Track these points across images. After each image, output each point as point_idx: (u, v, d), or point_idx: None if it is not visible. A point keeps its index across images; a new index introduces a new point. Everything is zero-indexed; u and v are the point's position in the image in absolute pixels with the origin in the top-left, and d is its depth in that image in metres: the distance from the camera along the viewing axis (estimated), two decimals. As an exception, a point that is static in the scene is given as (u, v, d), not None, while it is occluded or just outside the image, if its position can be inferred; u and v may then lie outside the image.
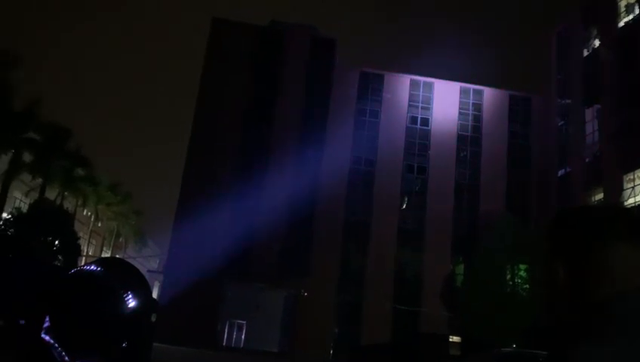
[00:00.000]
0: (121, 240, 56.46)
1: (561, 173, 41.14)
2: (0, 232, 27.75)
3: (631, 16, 35.51)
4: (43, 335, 1.47)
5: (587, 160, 37.92)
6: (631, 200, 32.49)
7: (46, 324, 1.49)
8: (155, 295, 48.15)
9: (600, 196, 35.83)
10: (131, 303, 1.53)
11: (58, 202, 37.11)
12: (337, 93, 45.54)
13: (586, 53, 39.92)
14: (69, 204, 40.51)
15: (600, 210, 1.32)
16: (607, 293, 1.20)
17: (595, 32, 39.27)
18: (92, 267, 1.57)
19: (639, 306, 1.17)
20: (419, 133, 46.47)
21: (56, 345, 1.45)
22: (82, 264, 1.73)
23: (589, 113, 38.53)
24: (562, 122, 42.09)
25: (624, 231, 1.24)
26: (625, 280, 1.21)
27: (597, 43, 38.94)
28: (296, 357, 37.49)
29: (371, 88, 47.11)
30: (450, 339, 41.46)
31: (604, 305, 1.19)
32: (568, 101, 41.52)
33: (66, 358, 1.43)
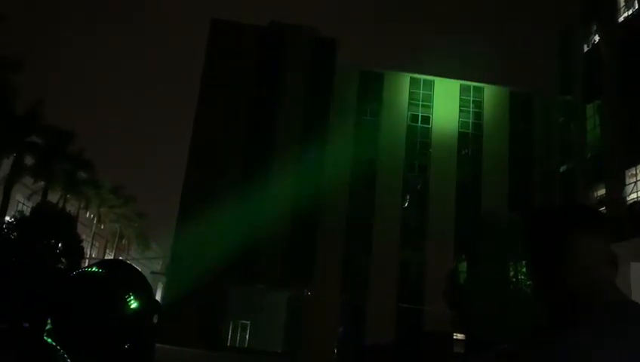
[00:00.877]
0: (124, 242, 56.51)
1: (563, 169, 41.08)
2: (3, 236, 27.76)
3: (631, 11, 35.43)
4: (45, 338, 1.48)
5: (589, 156, 37.84)
6: (633, 196, 32.43)
7: (48, 326, 1.50)
8: (158, 297, 48.17)
9: (602, 192, 35.76)
10: (133, 304, 1.54)
11: (60, 205, 37.15)
12: (338, 93, 45.53)
13: (586, 48, 39.84)
14: (71, 207, 40.56)
15: (563, 208, 1.46)
16: (573, 284, 1.31)
17: (595, 28, 39.19)
18: (93, 269, 1.58)
19: (602, 298, 1.28)
20: (420, 131, 46.46)
21: (58, 347, 1.45)
22: (84, 266, 1.74)
23: (591, 109, 38.46)
24: (563, 118, 42.03)
25: (584, 224, 1.36)
26: (588, 270, 1.31)
27: (597, 38, 38.85)
28: (300, 357, 37.50)
29: (371, 87, 47.07)
30: (455, 337, 41.44)
31: (570, 296, 1.30)
32: (569, 97, 41.45)
33: (68, 360, 1.43)
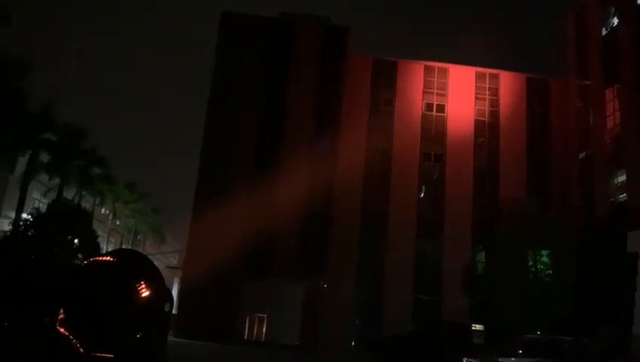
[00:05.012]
0: (139, 237, 56.95)
1: (582, 155, 40.50)
2: (21, 233, 28.05)
3: (650, -7, 34.66)
4: (58, 327, 1.42)
5: (608, 141, 37.25)
6: (655, 181, 31.82)
7: (61, 316, 1.45)
8: (174, 291, 48.41)
9: (622, 178, 35.22)
10: (144, 292, 1.44)
11: (76, 201, 37.43)
12: (351, 82, 45.26)
13: (604, 32, 39.15)
14: (86, 203, 40.86)
15: None
16: None
17: (613, 11, 38.48)
18: (105, 258, 1.52)
19: None
20: (435, 119, 46.00)
21: (71, 336, 1.40)
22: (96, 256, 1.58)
23: (609, 93, 37.83)
24: (582, 104, 41.40)
25: None
26: None
27: (615, 22, 38.15)
28: (318, 350, 37.53)
29: (385, 76, 46.70)
30: (473, 327, 41.23)
31: None
32: (588, 82, 40.80)
33: (81, 350, 1.38)
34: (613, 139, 36.86)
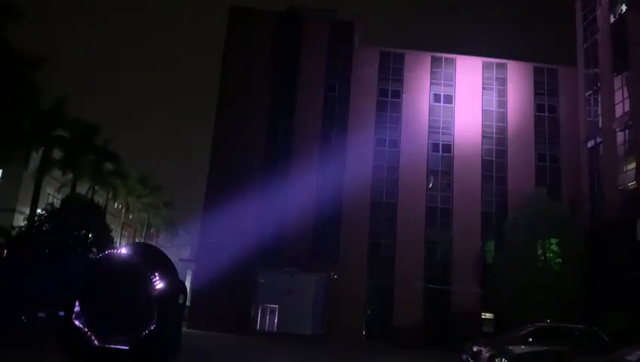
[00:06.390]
0: (152, 230, 57.42)
1: (590, 144, 40.23)
2: (36, 228, 28.48)
3: (659, -22, 34.27)
4: (73, 320, 1.53)
5: (617, 129, 36.97)
6: (665, 169, 31.64)
7: (76, 309, 1.56)
8: (187, 283, 48.99)
9: (632, 166, 34.98)
10: (158, 285, 1.60)
11: (89, 196, 37.85)
12: (358, 75, 45.26)
13: (612, 19, 38.75)
14: (99, 198, 41.29)
15: None
16: None
17: (621, -3, 38.03)
18: (119, 251, 1.64)
19: None
20: (442, 110, 45.90)
21: (86, 329, 1.51)
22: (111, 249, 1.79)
23: (619, 81, 37.48)
24: (590, 92, 41.05)
25: None
26: None
27: (624, 8, 37.73)
28: (329, 339, 37.88)
29: (392, 68, 46.60)
30: (483, 316, 41.36)
31: None
32: (596, 70, 40.42)
33: (96, 342, 1.49)
34: (622, 127, 36.60)
